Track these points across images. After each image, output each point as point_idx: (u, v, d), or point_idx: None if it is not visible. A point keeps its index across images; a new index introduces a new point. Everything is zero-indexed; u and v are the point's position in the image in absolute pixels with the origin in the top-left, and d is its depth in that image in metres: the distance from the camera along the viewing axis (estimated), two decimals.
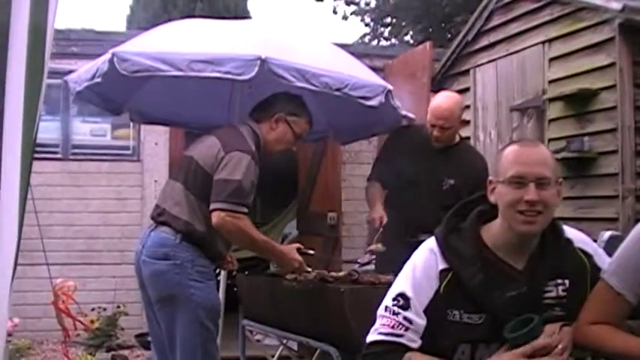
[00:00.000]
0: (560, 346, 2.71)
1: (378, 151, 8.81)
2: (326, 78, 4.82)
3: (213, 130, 4.65)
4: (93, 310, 7.63)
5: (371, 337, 2.84)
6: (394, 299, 2.82)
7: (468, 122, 7.82)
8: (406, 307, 2.78)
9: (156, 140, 8.82)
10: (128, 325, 7.86)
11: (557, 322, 2.77)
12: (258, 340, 7.41)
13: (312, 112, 5.63)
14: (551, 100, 6.86)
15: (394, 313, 2.79)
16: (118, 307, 7.78)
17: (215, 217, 4.23)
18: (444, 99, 5.47)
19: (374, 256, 5.38)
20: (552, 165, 2.83)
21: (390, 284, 4.17)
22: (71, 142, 8.86)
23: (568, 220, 6.39)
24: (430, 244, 2.90)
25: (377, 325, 2.84)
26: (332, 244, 8.17)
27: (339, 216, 8.40)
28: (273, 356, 6.05)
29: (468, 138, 7.69)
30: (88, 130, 8.92)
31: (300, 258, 4.55)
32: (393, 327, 2.78)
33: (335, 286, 4.26)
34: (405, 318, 2.77)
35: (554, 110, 6.84)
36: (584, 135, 6.42)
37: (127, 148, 8.99)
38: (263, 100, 4.83)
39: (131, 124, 8.40)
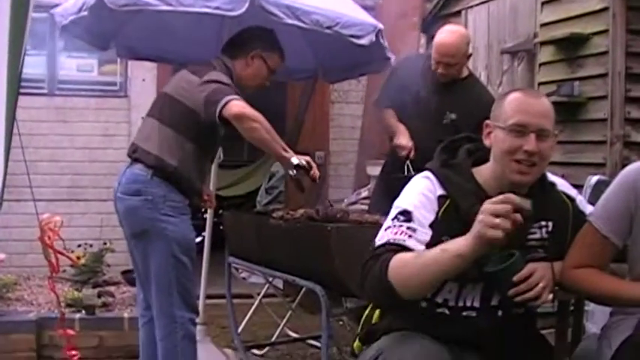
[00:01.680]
0: (541, 284, 2.73)
1: (366, 91, 8.83)
2: (317, 15, 4.79)
3: (187, 66, 4.62)
4: (79, 246, 7.62)
5: (375, 244, 2.76)
6: (395, 217, 2.77)
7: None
8: (409, 219, 2.73)
9: (143, 76, 8.75)
10: (114, 261, 7.85)
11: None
12: (244, 278, 7.46)
13: (301, 50, 5.62)
14: (543, 43, 6.81)
15: (396, 226, 2.74)
16: (105, 243, 7.77)
17: (234, 107, 4.13)
18: (448, 35, 5.30)
19: (362, 196, 5.38)
20: (553, 118, 2.83)
21: (376, 223, 4.22)
22: (57, 78, 8.77)
23: (556, 164, 6.39)
24: (425, 173, 2.89)
25: (379, 237, 2.77)
26: (319, 182, 8.17)
27: (326, 155, 8.40)
28: (258, 294, 6.09)
29: None
30: (75, 65, 8.82)
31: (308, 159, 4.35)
32: (395, 234, 2.71)
33: (321, 225, 4.26)
34: (408, 227, 2.71)
35: (545, 54, 6.80)
36: (574, 79, 6.39)
37: (114, 84, 8.91)
38: (236, 35, 4.80)
39: (118, 59, 8.30)
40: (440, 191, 2.80)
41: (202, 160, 4.57)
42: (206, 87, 4.30)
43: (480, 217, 2.43)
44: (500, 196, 2.47)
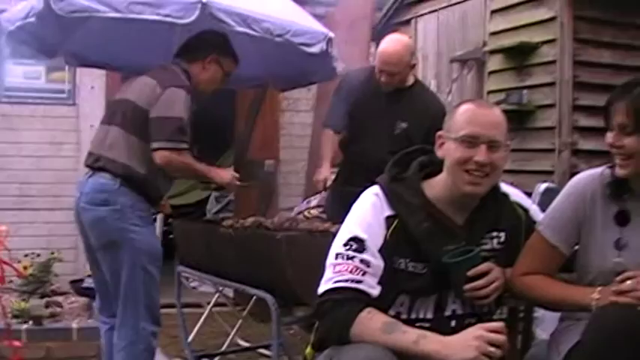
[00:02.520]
0: (494, 284, 2.75)
1: (316, 100, 8.83)
2: (267, 23, 4.78)
3: (146, 72, 4.65)
4: (26, 256, 7.51)
5: (325, 286, 2.68)
6: (346, 244, 2.70)
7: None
8: (361, 249, 2.68)
9: (92, 84, 8.65)
10: (62, 271, 7.76)
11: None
12: (193, 287, 7.41)
13: (251, 58, 5.60)
14: (492, 52, 6.88)
15: (349, 258, 2.67)
16: (52, 253, 7.67)
17: (160, 157, 4.30)
18: (390, 43, 5.32)
19: (312, 204, 5.39)
20: (505, 129, 2.83)
21: (326, 231, 4.21)
22: (4, 85, 8.65)
23: (505, 172, 6.43)
24: (374, 189, 2.85)
25: (329, 274, 2.70)
26: (269, 191, 8.15)
27: (276, 164, 8.37)
28: (208, 303, 6.05)
29: None
30: (22, 72, 8.70)
31: (233, 174, 4.77)
32: (350, 271, 2.65)
33: (271, 233, 4.24)
34: (361, 261, 2.66)
35: (494, 62, 6.86)
36: (523, 88, 6.46)
37: (62, 91, 8.80)
38: (190, 39, 4.85)
39: (66, 66, 8.21)
40: (387, 211, 2.77)
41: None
42: (158, 107, 4.39)
43: (475, 342, 2.41)
44: (495, 325, 2.48)
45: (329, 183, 5.44)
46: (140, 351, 4.41)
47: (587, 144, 6.16)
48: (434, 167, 2.88)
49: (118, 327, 4.44)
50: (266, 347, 5.76)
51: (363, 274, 2.64)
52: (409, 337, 2.51)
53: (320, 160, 5.56)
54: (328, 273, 2.69)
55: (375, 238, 2.71)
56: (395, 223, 2.74)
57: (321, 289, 2.68)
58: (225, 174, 4.76)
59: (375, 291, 2.65)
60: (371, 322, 2.56)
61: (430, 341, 2.48)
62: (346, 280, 2.63)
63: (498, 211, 2.88)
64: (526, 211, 3.00)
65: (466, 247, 2.72)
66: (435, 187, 2.83)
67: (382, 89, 5.35)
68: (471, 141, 2.72)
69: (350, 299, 2.61)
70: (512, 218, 2.94)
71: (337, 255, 2.70)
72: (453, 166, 2.75)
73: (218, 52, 4.75)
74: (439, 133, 2.87)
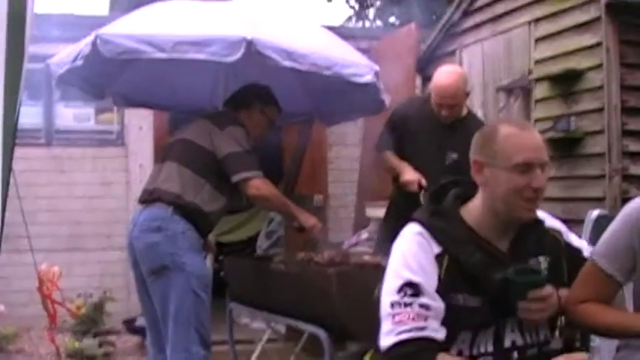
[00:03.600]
0: (550, 310, 2.69)
1: (363, 133, 8.83)
2: (314, 58, 4.79)
3: (200, 115, 4.82)
4: (79, 296, 7.59)
5: (388, 339, 2.52)
6: (400, 291, 2.55)
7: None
8: (417, 293, 2.53)
9: (140, 124, 8.76)
10: (115, 310, 7.82)
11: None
12: (245, 324, 7.41)
13: (298, 94, 5.63)
14: (538, 80, 6.84)
15: (407, 305, 2.52)
16: (105, 292, 7.73)
17: (250, 188, 4.52)
18: (446, 76, 5.23)
19: (362, 237, 5.36)
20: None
21: (377, 266, 4.19)
22: (54, 128, 8.78)
23: (555, 200, 6.39)
24: (414, 228, 2.73)
25: (389, 325, 2.54)
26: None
27: (325, 198, 8.38)
28: (260, 339, 6.04)
29: None
30: (71, 114, 8.85)
31: (317, 221, 4.85)
32: (412, 319, 2.51)
33: (322, 269, 4.23)
34: (420, 305, 2.52)
35: (540, 90, 6.82)
36: (570, 115, 6.40)
37: (110, 132, 8.92)
38: (235, 92, 4.99)
39: (115, 108, 8.32)
40: (436, 249, 2.65)
41: (219, 200, 4.66)
42: (228, 144, 4.56)
43: None
44: (579, 356, 2.60)
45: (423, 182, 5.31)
46: None
47: (637, 169, 6.08)
48: (467, 195, 2.82)
49: (170, 353, 4.49)
50: None
51: (426, 319, 2.52)
52: None
53: (400, 170, 5.44)
54: (387, 325, 2.54)
55: (429, 279, 2.58)
56: (446, 260, 2.63)
57: (385, 343, 2.53)
58: (311, 219, 4.82)
59: (441, 334, 2.53)
60: None
61: None
62: (410, 330, 2.50)
63: (540, 235, 2.82)
64: (560, 233, 2.95)
65: (531, 266, 2.67)
66: (473, 213, 2.76)
67: (436, 121, 5.30)
68: (525, 169, 2.62)
69: (419, 351, 2.50)
70: (551, 242, 2.86)
71: (393, 304, 2.55)
72: (507, 194, 2.64)
73: (262, 101, 4.90)
74: (476, 158, 2.76)
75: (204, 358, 4.52)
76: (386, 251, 4.83)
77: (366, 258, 4.52)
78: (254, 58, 4.61)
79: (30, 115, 8.34)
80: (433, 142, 5.32)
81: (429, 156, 5.32)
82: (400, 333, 2.50)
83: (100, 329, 7.44)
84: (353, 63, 4.99)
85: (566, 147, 6.40)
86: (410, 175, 5.31)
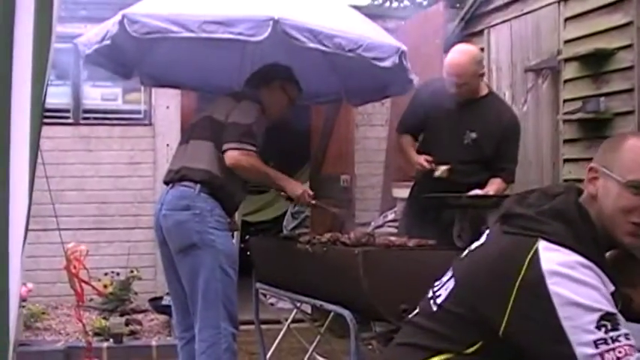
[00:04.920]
0: None
1: (390, 114, 8.81)
2: (339, 39, 4.78)
3: (224, 94, 4.92)
4: (106, 274, 7.64)
5: None
6: (599, 327, 2.14)
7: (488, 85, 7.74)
8: (617, 324, 2.17)
9: (167, 103, 8.78)
10: (141, 289, 7.87)
11: None
12: (271, 304, 7.42)
13: (325, 74, 5.61)
14: (567, 60, 6.77)
15: (614, 340, 2.14)
16: (132, 271, 7.78)
17: (228, 157, 4.53)
18: (456, 54, 5.32)
19: (388, 218, 5.37)
20: None
21: (403, 246, 4.19)
22: (82, 107, 8.82)
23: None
24: (582, 260, 2.22)
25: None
26: (345, 206, 8.15)
27: (352, 178, 8.37)
28: (286, 319, 6.06)
29: None
30: (99, 94, 8.88)
31: (306, 190, 4.90)
32: (627, 354, 2.13)
33: (348, 249, 4.22)
34: (626, 336, 2.16)
35: (569, 71, 6.75)
36: (600, 95, 6.33)
37: (138, 112, 8.95)
38: (256, 71, 5.08)
39: (142, 87, 8.33)
40: (610, 286, 2.26)
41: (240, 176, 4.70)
42: (235, 115, 4.63)
43: None
44: None
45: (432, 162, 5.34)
46: (223, 351, 4.51)
47: None
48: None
49: (199, 330, 4.55)
50: None
51: (634, 350, 2.16)
52: None
53: (410, 157, 5.50)
54: None
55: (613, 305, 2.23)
56: (618, 299, 2.30)
57: None
58: (298, 187, 4.89)
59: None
60: None
61: None
62: None
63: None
64: None
65: None
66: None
67: (454, 100, 5.32)
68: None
69: None
70: None
71: (597, 343, 2.13)
72: (615, 212, 2.34)
73: (282, 79, 4.96)
74: (593, 165, 2.43)
75: (233, 335, 4.58)
76: (411, 230, 4.85)
77: (392, 239, 4.50)
78: (280, 38, 4.61)
79: (58, 95, 8.41)
80: (452, 121, 5.34)
81: (448, 135, 5.36)
82: None
83: (127, 308, 7.49)
84: (378, 44, 4.96)
85: (595, 128, 6.34)
86: (420, 158, 5.40)
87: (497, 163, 5.38)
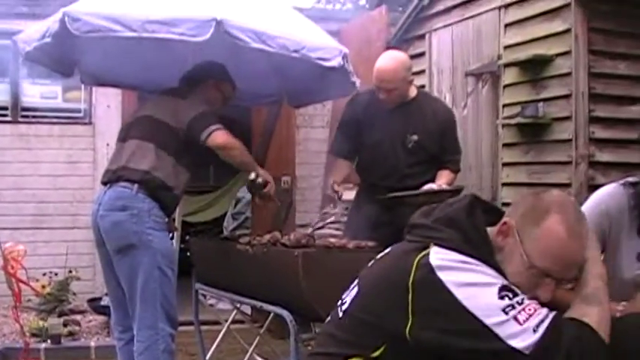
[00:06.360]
0: None
1: (331, 116, 8.84)
2: (283, 40, 4.80)
3: (158, 92, 5.00)
4: (44, 274, 7.56)
5: (527, 339, 2.15)
6: (502, 297, 2.20)
7: (422, 87, 7.79)
8: (516, 292, 2.24)
9: (108, 102, 8.71)
10: (80, 289, 7.79)
11: None
12: (211, 305, 7.40)
13: (266, 75, 5.62)
14: (507, 65, 6.85)
15: (519, 303, 2.20)
16: (70, 271, 7.70)
17: (219, 137, 4.61)
18: (385, 60, 5.36)
19: (328, 220, 5.39)
20: None
21: (343, 247, 4.21)
22: (21, 105, 8.72)
23: (522, 184, 6.43)
24: (462, 257, 2.30)
25: (514, 327, 2.17)
26: (286, 208, 8.15)
27: (293, 180, 8.38)
28: (226, 320, 6.04)
29: None
30: (38, 92, 8.78)
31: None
32: (535, 310, 2.21)
33: (288, 250, 4.24)
34: (529, 298, 2.24)
35: (509, 76, 6.83)
36: (538, 101, 6.42)
37: (78, 110, 8.87)
38: (190, 70, 5.09)
39: (82, 86, 8.26)
40: (502, 280, 2.29)
41: (182, 176, 4.71)
42: (193, 109, 4.66)
43: None
44: None
45: (340, 193, 5.41)
46: (160, 352, 4.50)
47: (603, 156, 6.11)
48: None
49: (137, 330, 4.53)
50: None
51: (542, 306, 2.25)
52: (591, 286, 2.29)
53: (326, 179, 5.58)
54: (514, 327, 2.16)
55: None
56: None
57: (524, 346, 2.14)
58: (268, 174, 4.97)
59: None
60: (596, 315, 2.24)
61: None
62: (546, 317, 2.21)
63: None
64: None
65: None
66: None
67: (385, 107, 5.37)
68: (541, 278, 2.32)
69: (566, 329, 2.20)
70: None
71: (506, 310, 2.18)
72: (512, 277, 2.32)
73: (215, 77, 5.02)
74: (507, 220, 2.41)
75: (171, 336, 4.57)
76: (354, 235, 4.87)
77: (332, 240, 4.53)
78: (223, 39, 4.60)
79: None
80: (390, 127, 5.38)
81: (389, 142, 5.40)
82: (537, 329, 2.17)
83: (65, 308, 7.41)
84: (322, 46, 4.99)
85: (533, 133, 6.42)
86: (326, 189, 5.72)
87: (443, 157, 5.49)
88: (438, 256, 2.29)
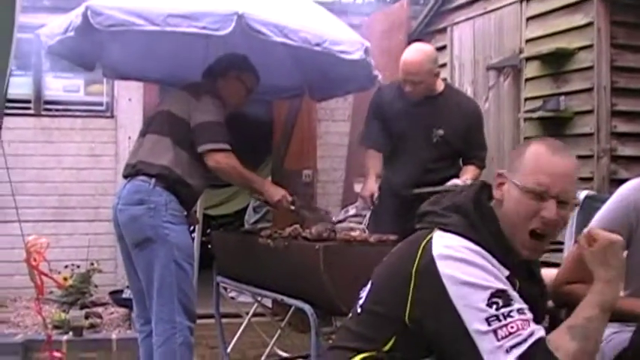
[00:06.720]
0: None
1: (352, 109, 8.84)
2: (304, 33, 4.79)
3: (179, 87, 4.91)
4: (66, 267, 7.59)
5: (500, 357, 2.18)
6: (490, 304, 2.22)
7: (444, 80, 7.77)
8: (508, 300, 2.25)
9: (130, 96, 8.74)
10: (102, 282, 7.82)
11: None
12: (232, 298, 7.42)
13: (288, 69, 5.61)
14: (528, 59, 6.83)
15: (506, 316, 2.21)
16: (92, 264, 7.73)
17: (210, 160, 4.56)
18: (412, 53, 5.34)
19: (349, 214, 5.38)
20: (575, 181, 2.47)
21: (364, 241, 4.20)
22: (44, 98, 8.76)
23: None
24: (463, 242, 2.35)
25: (493, 342, 2.19)
26: (307, 201, 8.15)
27: (314, 173, 8.38)
28: (247, 313, 6.06)
29: None
30: (61, 85, 8.82)
31: (285, 195, 4.82)
32: (520, 328, 2.20)
33: (309, 243, 4.24)
34: (518, 311, 2.24)
35: (530, 69, 6.81)
36: (560, 94, 6.40)
37: (100, 104, 8.90)
38: (212, 63, 5.06)
39: (104, 79, 8.29)
40: (505, 271, 2.34)
41: (199, 171, 4.68)
42: (201, 114, 4.62)
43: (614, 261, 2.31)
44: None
45: (376, 197, 5.40)
46: (178, 345, 4.50)
47: (626, 150, 6.09)
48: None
49: (155, 324, 4.54)
50: (305, 357, 5.76)
51: (529, 323, 2.24)
52: (586, 311, 2.29)
53: (365, 177, 5.54)
54: (491, 341, 2.20)
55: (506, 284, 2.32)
56: (517, 284, 2.39)
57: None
58: (277, 192, 4.84)
59: (542, 330, 2.27)
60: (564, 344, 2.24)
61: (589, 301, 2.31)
62: (524, 341, 2.20)
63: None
64: None
65: None
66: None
67: (412, 100, 5.34)
68: (538, 195, 2.38)
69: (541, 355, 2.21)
70: None
71: (489, 320, 2.21)
72: (515, 218, 2.42)
73: (238, 69, 4.96)
74: (500, 171, 2.51)
75: (189, 329, 4.56)
76: (378, 228, 4.86)
77: (354, 234, 4.52)
78: (245, 33, 4.60)
79: (19, 85, 8.32)
80: (416, 121, 5.35)
81: (415, 136, 5.36)
82: (513, 348, 2.19)
83: (87, 301, 7.45)
84: (343, 39, 4.98)
85: (555, 127, 6.40)
86: (366, 190, 5.46)
87: (468, 153, 5.46)
88: (441, 241, 2.36)
